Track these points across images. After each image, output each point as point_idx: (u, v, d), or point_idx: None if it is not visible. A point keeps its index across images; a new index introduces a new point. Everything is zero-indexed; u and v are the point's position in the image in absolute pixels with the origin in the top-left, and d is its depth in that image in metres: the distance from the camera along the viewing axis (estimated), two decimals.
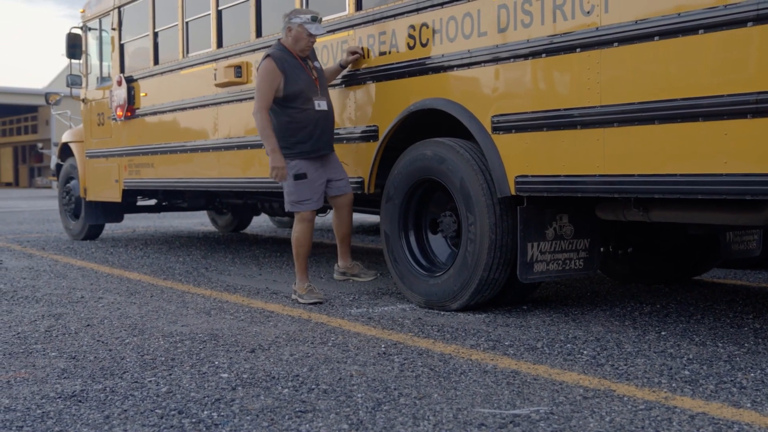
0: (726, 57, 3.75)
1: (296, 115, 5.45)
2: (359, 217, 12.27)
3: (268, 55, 5.46)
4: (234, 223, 11.48)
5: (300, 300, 5.51)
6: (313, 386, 3.50)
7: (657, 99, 4.01)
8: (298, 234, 5.57)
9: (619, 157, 4.19)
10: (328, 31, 6.08)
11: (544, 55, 4.54)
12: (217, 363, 3.91)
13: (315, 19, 5.50)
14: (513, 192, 4.75)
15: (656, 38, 4.00)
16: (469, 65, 5.00)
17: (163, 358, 4.02)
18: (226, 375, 3.69)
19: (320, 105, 5.50)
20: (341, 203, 5.75)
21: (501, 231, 4.85)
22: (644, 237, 5.93)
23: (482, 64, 4.90)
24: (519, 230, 4.71)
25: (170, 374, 3.72)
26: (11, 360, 4.04)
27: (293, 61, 5.47)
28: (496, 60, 4.81)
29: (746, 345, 4.18)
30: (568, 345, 4.22)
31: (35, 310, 5.37)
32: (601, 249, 6.07)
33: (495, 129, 4.82)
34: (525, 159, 4.69)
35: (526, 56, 4.63)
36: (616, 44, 4.18)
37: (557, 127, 4.49)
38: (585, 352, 4.08)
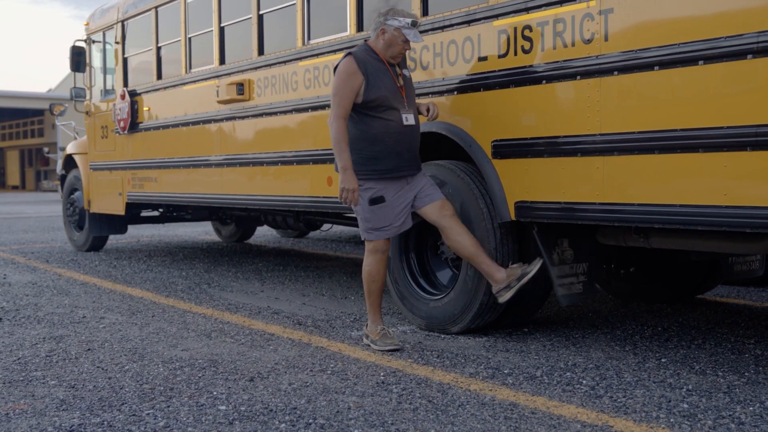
0: (726, 89, 3.74)
1: (375, 124, 4.66)
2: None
3: (349, 53, 4.72)
4: (238, 233, 11.50)
5: (373, 346, 4.79)
6: (310, 420, 3.50)
7: (657, 129, 4.00)
8: (370, 267, 4.79)
9: (619, 185, 4.18)
10: (332, 51, 6.09)
11: (544, 81, 4.53)
12: (215, 393, 3.91)
13: (415, 24, 4.74)
14: (513, 217, 4.74)
15: (656, 68, 3.99)
16: (470, 89, 4.99)
17: (161, 388, 4.02)
18: (224, 407, 3.69)
19: (408, 119, 4.70)
20: (436, 213, 4.80)
21: (501, 255, 4.85)
22: (647, 257, 5.92)
23: (482, 89, 4.90)
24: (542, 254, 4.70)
25: (168, 406, 3.72)
26: (11, 389, 4.05)
27: (379, 65, 4.69)
28: (497, 85, 4.80)
29: (746, 374, 4.16)
30: (568, 374, 4.21)
31: (37, 332, 5.38)
32: (604, 267, 6.09)
33: (495, 154, 4.82)
34: (525, 185, 4.68)
35: (526, 82, 4.62)
36: (616, 73, 4.17)
37: (558, 153, 4.48)
38: (584, 381, 4.07)
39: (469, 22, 4.97)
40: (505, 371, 4.27)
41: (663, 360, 4.47)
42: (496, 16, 4.80)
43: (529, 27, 4.61)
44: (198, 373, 4.30)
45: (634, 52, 4.08)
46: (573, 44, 4.37)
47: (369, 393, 3.90)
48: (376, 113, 4.65)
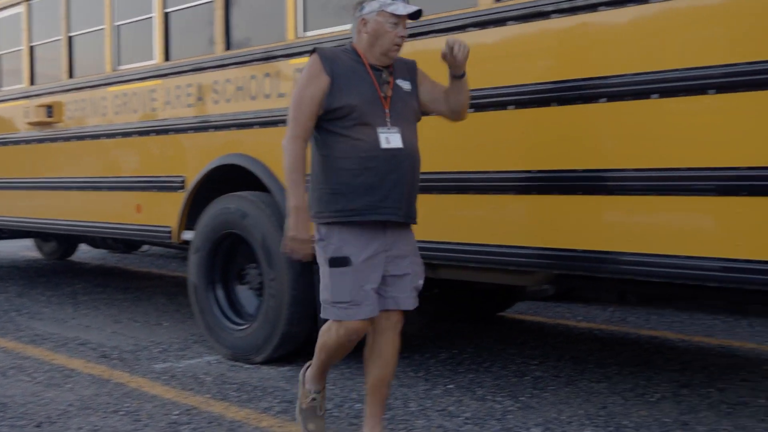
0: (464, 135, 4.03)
1: (340, 146, 3.40)
2: None
3: (314, 50, 3.54)
4: (59, 250, 11.18)
5: (296, 415, 3.85)
6: None
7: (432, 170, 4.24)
8: (331, 342, 3.55)
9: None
10: (140, 78, 6.07)
11: None
12: None
13: None
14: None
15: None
16: (270, 124, 5.11)
17: None
18: None
19: (389, 140, 3.39)
20: (392, 323, 3.62)
21: (300, 286, 4.99)
22: (449, 280, 6.21)
23: (279, 125, 5.02)
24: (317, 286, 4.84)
25: None
26: None
27: (356, 66, 3.46)
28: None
29: (522, 398, 4.46)
30: (358, 405, 4.38)
31: None
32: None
33: None
34: None
35: None
36: None
37: None
38: None
39: (267, 59, 5.09)
40: None
41: (450, 386, 4.72)
42: (292, 55, 4.94)
43: None
44: None
45: None
46: None
47: None
48: (341, 130, 3.40)
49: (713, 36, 3.34)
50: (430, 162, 4.20)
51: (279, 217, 5.04)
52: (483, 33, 4.07)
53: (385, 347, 3.58)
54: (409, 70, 3.62)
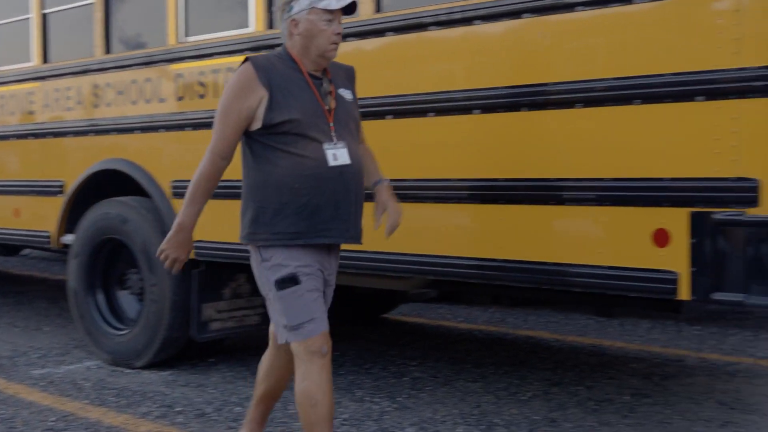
0: None
1: (282, 162, 3.11)
2: None
3: (247, 59, 3.21)
4: None
5: None
6: None
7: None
8: (307, 384, 3.10)
9: None
10: (17, 81, 5.95)
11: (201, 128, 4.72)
12: None
13: None
14: (192, 256, 4.90)
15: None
16: (150, 129, 5.10)
17: None
18: None
19: (336, 157, 3.13)
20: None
21: (182, 292, 5.00)
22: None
23: (162, 130, 5.02)
24: (194, 292, 4.89)
25: None
26: None
27: (294, 75, 3.17)
28: (175, 127, 4.94)
29: (399, 399, 4.59)
30: (238, 408, 4.43)
31: None
32: None
33: (175, 194, 4.96)
34: (202, 225, 4.83)
35: (202, 126, 4.81)
36: None
37: (227, 196, 4.69)
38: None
39: (148, 64, 5.08)
40: (177, 409, 4.43)
41: None
42: (173, 60, 4.94)
43: (204, 74, 4.80)
44: None
45: None
46: None
47: None
48: (282, 145, 3.10)
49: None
50: None
51: (160, 222, 5.04)
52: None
53: (284, 359, 3.37)
54: (349, 77, 3.39)
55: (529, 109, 3.61)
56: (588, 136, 3.46)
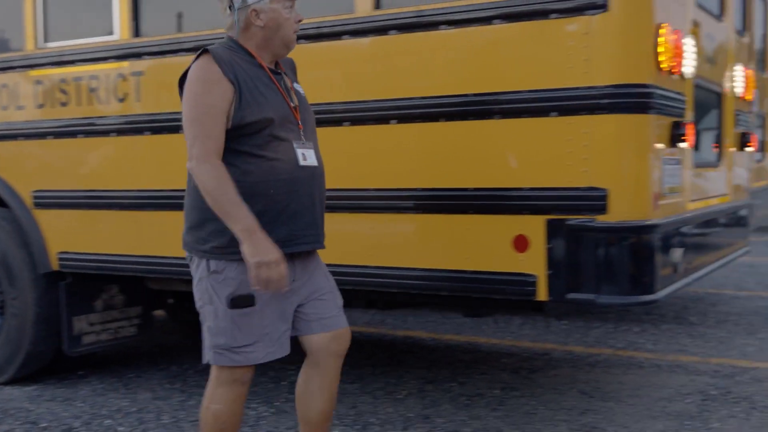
0: None
1: (252, 167, 2.82)
2: None
3: (205, 51, 2.83)
4: None
5: None
6: None
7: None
8: (220, 407, 2.94)
9: (153, 239, 4.42)
10: None
11: (81, 135, 4.63)
12: None
13: None
14: (56, 267, 4.78)
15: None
16: (9, 137, 4.93)
17: None
18: None
19: (306, 157, 2.90)
20: (327, 348, 3.08)
21: (46, 305, 4.86)
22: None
23: (22, 138, 4.87)
24: (63, 305, 4.78)
25: None
26: None
27: (256, 71, 2.89)
28: (35, 135, 4.80)
29: (276, 404, 4.60)
30: (108, 421, 4.35)
31: None
32: (170, 301, 6.31)
33: (37, 204, 4.82)
34: (68, 236, 4.75)
35: (64, 135, 4.69)
36: (147, 133, 4.39)
37: (96, 206, 4.61)
38: (121, 429, 4.24)
39: (5, 69, 4.91)
40: (42, 425, 4.31)
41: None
42: (32, 66, 4.80)
43: (66, 81, 4.68)
44: None
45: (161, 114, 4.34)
46: (108, 102, 4.53)
47: None
48: (252, 148, 2.82)
49: None
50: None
51: (20, 233, 4.88)
52: None
53: (329, 375, 3.09)
54: (293, 70, 3.14)
55: (399, 122, 3.71)
56: (451, 147, 3.58)
